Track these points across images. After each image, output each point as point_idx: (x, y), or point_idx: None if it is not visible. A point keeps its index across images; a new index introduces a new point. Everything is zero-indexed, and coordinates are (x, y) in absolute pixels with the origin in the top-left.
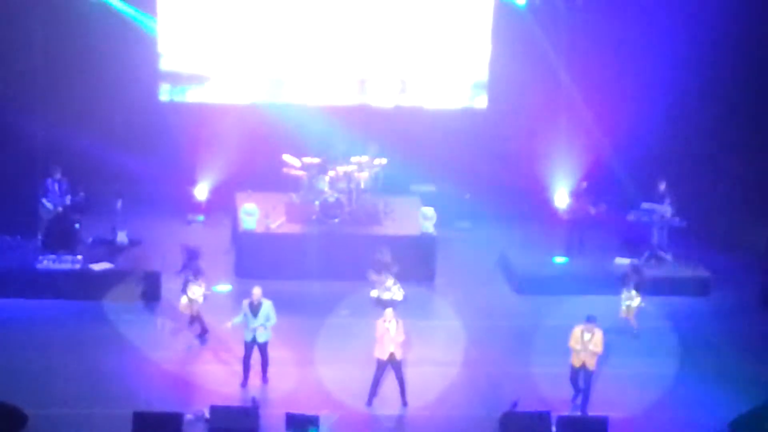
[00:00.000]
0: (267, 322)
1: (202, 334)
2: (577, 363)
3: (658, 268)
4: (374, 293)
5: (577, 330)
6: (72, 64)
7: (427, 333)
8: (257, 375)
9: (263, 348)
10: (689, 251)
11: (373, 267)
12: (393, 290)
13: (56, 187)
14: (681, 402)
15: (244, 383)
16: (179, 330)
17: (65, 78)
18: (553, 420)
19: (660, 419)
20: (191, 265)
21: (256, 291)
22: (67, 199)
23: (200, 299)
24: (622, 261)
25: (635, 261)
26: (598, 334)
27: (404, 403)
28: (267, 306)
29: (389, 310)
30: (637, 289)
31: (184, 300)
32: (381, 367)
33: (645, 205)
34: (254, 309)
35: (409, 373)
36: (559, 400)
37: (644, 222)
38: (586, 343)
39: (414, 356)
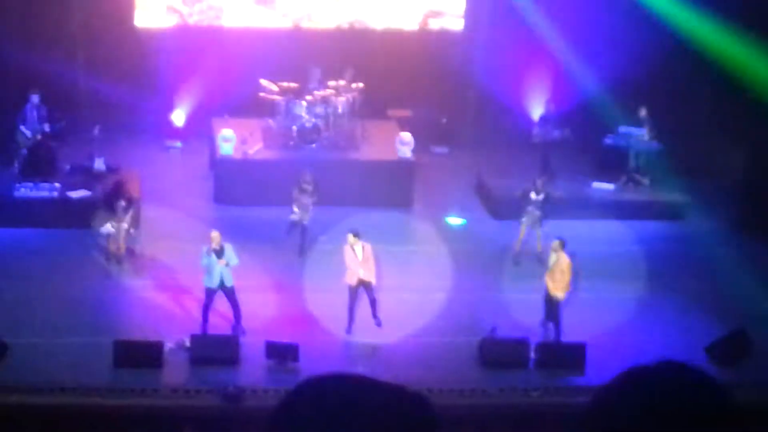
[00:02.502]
0: (230, 262)
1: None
2: (548, 287)
3: (634, 193)
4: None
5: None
6: None
7: (404, 259)
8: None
9: (231, 293)
10: (666, 176)
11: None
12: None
13: (35, 113)
14: (657, 327)
15: (204, 330)
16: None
17: (41, 3)
18: (531, 346)
19: (636, 344)
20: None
21: (215, 236)
22: (46, 126)
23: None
24: (600, 185)
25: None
26: (562, 259)
27: (377, 324)
28: (229, 249)
29: (350, 236)
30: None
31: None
32: (352, 292)
33: (623, 129)
34: (218, 254)
35: (387, 300)
36: (537, 326)
37: (621, 146)
38: (552, 266)
39: (391, 283)
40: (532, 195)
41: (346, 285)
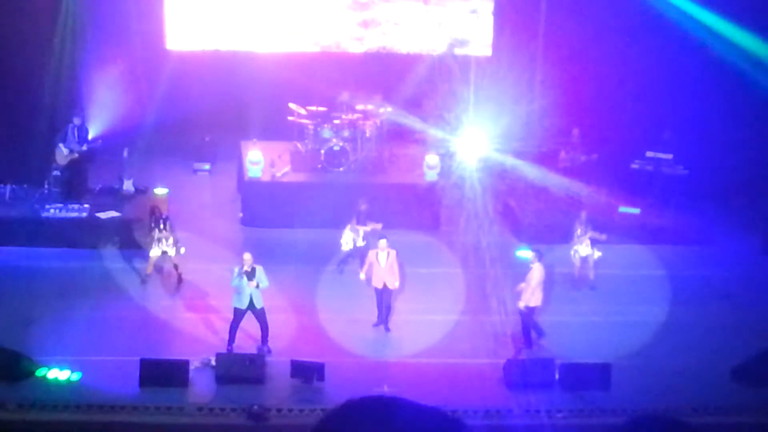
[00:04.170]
0: (261, 284)
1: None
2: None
3: (661, 217)
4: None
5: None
6: (81, 11)
7: (431, 281)
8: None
9: (261, 314)
10: (692, 199)
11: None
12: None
13: (75, 133)
14: (684, 348)
15: (230, 349)
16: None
17: (74, 26)
18: (557, 367)
19: (662, 366)
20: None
21: (247, 258)
22: (84, 146)
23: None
24: (626, 209)
25: (583, 213)
26: (535, 270)
27: (386, 329)
28: (260, 271)
29: (383, 241)
30: (591, 239)
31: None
32: (378, 294)
33: (649, 154)
34: (249, 275)
35: (414, 321)
36: (562, 347)
37: (647, 170)
38: (527, 277)
39: (419, 305)
40: (578, 230)
41: (373, 287)
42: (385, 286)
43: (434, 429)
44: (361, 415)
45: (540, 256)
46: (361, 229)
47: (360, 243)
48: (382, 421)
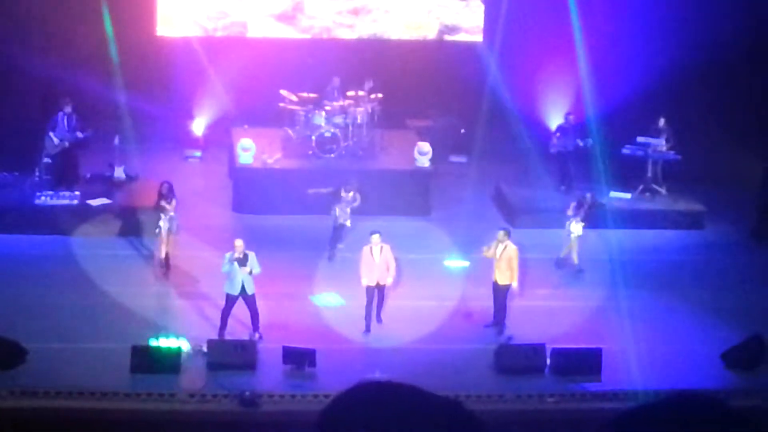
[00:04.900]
0: (253, 270)
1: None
2: (495, 277)
3: (652, 202)
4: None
5: (493, 243)
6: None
7: (422, 267)
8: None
9: (252, 300)
10: (683, 185)
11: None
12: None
13: (65, 121)
14: (674, 334)
15: (221, 335)
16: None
17: (63, 15)
18: (548, 352)
19: (652, 351)
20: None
21: (239, 244)
22: (79, 134)
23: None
24: (617, 195)
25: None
26: (511, 249)
27: (378, 320)
28: (252, 257)
29: (376, 236)
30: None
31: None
32: (370, 293)
33: (640, 139)
34: (241, 261)
35: (405, 307)
36: (553, 332)
37: (639, 156)
38: (499, 256)
39: (409, 291)
40: (580, 211)
41: (364, 286)
42: (378, 283)
43: (442, 414)
44: (368, 399)
45: (509, 234)
46: (349, 202)
47: (347, 222)
48: (391, 406)
